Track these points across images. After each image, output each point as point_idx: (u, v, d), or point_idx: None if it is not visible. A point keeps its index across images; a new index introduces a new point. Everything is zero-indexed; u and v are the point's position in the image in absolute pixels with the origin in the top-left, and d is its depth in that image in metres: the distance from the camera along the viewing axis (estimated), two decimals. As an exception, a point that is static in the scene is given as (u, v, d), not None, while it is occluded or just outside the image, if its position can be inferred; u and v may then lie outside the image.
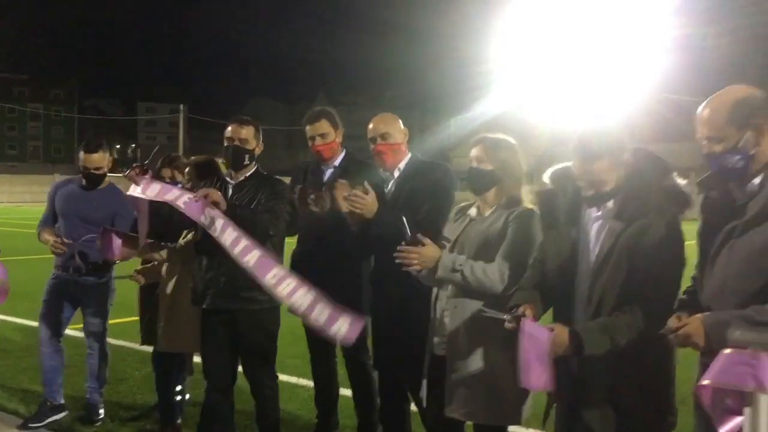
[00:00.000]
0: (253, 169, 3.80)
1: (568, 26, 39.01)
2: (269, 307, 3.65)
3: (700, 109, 2.29)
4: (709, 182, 2.36)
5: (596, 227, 2.57)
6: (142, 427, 4.46)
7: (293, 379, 5.31)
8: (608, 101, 33.90)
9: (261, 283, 3.31)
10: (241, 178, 3.77)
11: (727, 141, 2.20)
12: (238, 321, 3.67)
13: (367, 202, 3.40)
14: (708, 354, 2.12)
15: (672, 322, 2.25)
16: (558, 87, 39.27)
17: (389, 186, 3.71)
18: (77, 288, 4.55)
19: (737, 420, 2.02)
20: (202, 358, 3.89)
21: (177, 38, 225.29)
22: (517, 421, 2.96)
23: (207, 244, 3.55)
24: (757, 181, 2.22)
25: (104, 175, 4.63)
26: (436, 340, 3.09)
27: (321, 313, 3.23)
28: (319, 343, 3.94)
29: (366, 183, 3.46)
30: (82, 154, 4.55)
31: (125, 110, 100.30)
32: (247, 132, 3.71)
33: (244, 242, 3.35)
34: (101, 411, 4.58)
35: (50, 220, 4.67)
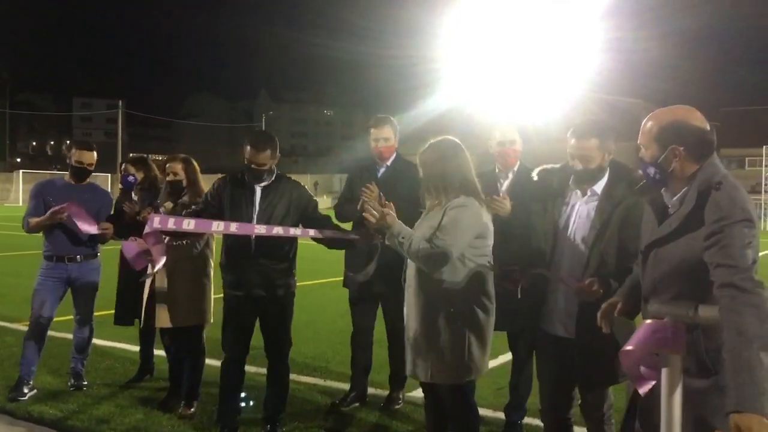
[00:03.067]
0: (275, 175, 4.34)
1: (508, 28, 39.98)
2: (290, 291, 4.34)
3: (646, 118, 2.63)
4: (646, 187, 2.71)
5: (587, 208, 3.25)
6: (121, 395, 4.83)
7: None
8: (546, 100, 34.98)
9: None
10: (267, 182, 4.28)
11: (650, 153, 2.51)
12: (266, 304, 4.26)
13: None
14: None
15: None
16: (499, 86, 40.22)
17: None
18: (70, 273, 5.05)
19: (653, 382, 2.40)
20: (224, 334, 4.34)
21: (114, 31, 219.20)
22: (460, 380, 3.41)
23: (235, 247, 4.23)
24: (676, 198, 2.51)
25: (91, 172, 5.19)
26: (405, 312, 3.59)
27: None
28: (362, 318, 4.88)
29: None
30: (76, 150, 5.10)
31: (59, 105, 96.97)
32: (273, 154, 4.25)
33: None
34: (85, 381, 5.21)
35: (40, 213, 5.01)
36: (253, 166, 4.17)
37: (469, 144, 3.81)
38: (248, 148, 4.17)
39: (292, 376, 5.42)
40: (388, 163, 4.78)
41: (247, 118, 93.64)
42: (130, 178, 5.28)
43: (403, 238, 3.33)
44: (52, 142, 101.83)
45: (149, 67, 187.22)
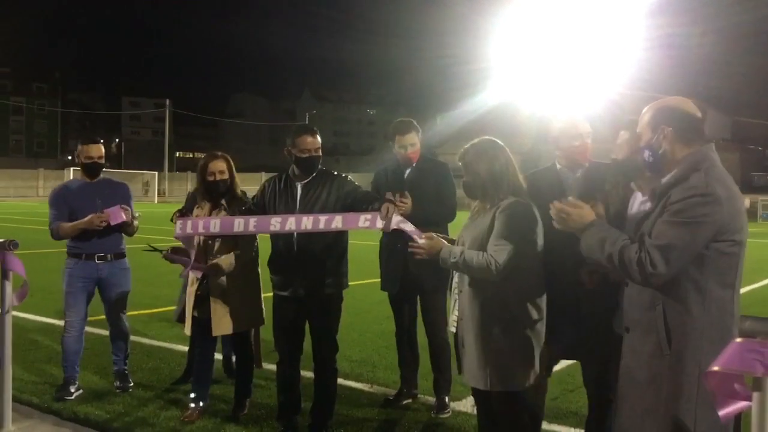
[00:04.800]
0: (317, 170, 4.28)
1: (554, 26, 39.29)
2: (335, 293, 4.26)
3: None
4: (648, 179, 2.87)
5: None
6: (167, 397, 4.79)
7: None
8: (593, 99, 34.23)
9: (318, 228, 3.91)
10: (308, 178, 4.23)
11: (645, 137, 2.74)
12: (309, 305, 4.22)
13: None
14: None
15: None
16: (544, 85, 39.58)
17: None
18: (100, 272, 4.98)
19: (740, 405, 2.16)
20: (274, 334, 4.34)
21: (161, 32, 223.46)
22: (519, 387, 3.25)
23: (279, 247, 4.23)
24: (665, 179, 2.68)
25: (103, 165, 5.10)
26: (453, 318, 3.44)
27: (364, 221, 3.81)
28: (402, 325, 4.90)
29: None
30: (82, 146, 5.02)
31: (108, 105, 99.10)
32: (319, 140, 4.24)
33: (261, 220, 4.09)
34: (131, 382, 5.10)
35: (64, 218, 4.96)
36: (304, 155, 4.13)
37: (512, 144, 3.64)
38: (296, 138, 4.14)
39: (338, 382, 5.31)
40: (413, 164, 4.76)
41: (290, 118, 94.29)
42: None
43: (454, 258, 3.23)
44: (101, 141, 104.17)
45: (195, 67, 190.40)
